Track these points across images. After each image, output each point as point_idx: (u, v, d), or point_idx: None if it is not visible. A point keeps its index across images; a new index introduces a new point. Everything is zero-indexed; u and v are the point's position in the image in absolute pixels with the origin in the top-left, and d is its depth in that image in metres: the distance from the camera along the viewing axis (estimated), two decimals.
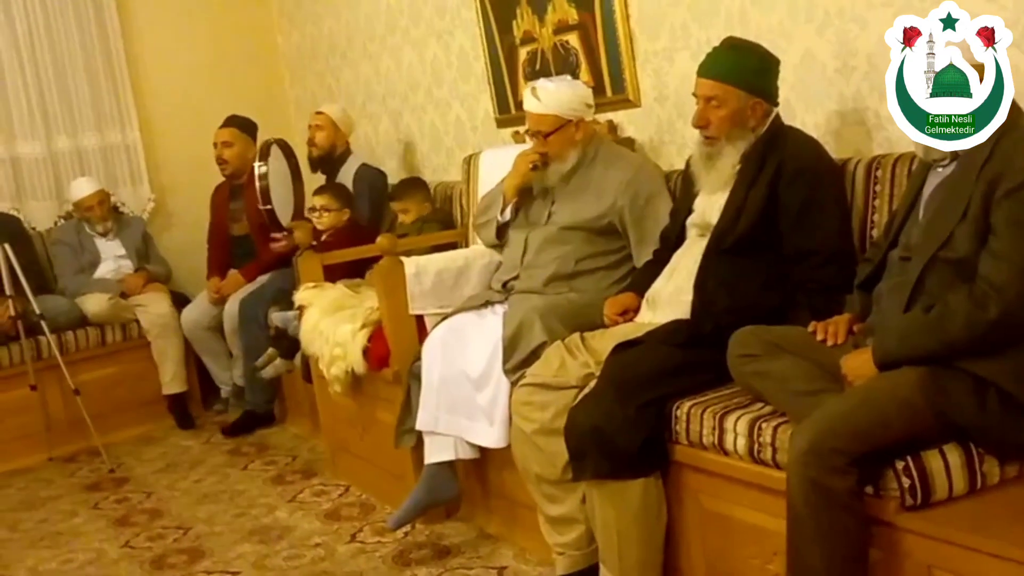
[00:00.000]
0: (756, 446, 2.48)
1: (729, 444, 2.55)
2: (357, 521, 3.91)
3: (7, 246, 4.80)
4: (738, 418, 2.54)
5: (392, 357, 3.81)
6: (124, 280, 5.58)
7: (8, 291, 4.86)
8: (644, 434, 2.71)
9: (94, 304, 5.38)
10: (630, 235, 3.43)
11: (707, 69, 2.96)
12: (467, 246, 4.32)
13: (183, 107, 6.25)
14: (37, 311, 4.91)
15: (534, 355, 3.17)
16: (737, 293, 2.82)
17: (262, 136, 5.45)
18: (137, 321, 5.49)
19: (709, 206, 3.00)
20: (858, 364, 2.38)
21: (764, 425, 2.47)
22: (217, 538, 3.92)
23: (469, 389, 3.40)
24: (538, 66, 4.36)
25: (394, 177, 5.31)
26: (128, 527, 4.16)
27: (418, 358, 3.58)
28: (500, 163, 4.23)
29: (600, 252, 3.46)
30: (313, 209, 4.85)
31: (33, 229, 5.78)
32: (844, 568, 2.22)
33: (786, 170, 2.85)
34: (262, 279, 5.32)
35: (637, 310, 3.17)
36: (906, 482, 2.17)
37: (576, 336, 3.12)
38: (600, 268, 3.46)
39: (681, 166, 3.40)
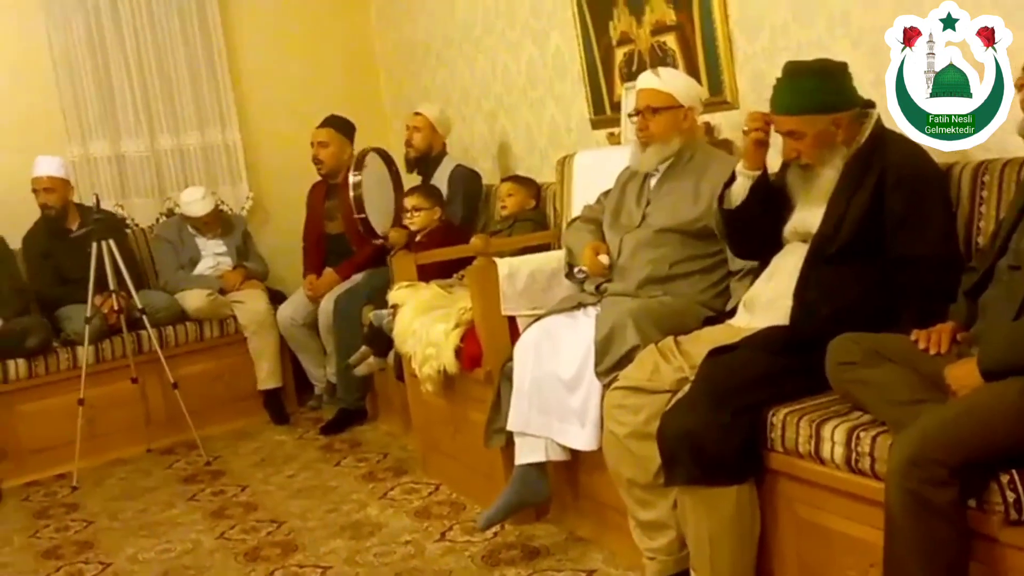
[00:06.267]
0: (854, 455, 2.43)
1: (826, 453, 2.50)
2: (447, 520, 3.93)
3: (112, 242, 4.93)
4: (836, 426, 2.49)
5: (484, 357, 3.83)
6: (223, 277, 5.69)
7: (112, 286, 4.99)
8: (738, 441, 2.67)
9: (194, 300, 5.50)
10: None
11: (777, 105, 2.92)
12: (560, 248, 4.31)
13: (281, 107, 6.36)
14: (139, 306, 5.04)
15: (627, 358, 3.15)
16: (838, 300, 2.76)
17: (359, 139, 5.53)
18: (234, 317, 5.60)
19: (810, 213, 2.94)
20: (963, 373, 2.32)
21: (863, 434, 2.42)
22: (310, 533, 3.97)
23: (561, 391, 3.40)
24: (635, 67, 4.34)
25: (488, 178, 5.34)
26: (223, 519, 4.23)
27: (510, 359, 3.59)
28: (594, 165, 4.24)
29: (695, 255, 3.43)
30: (405, 211, 4.90)
31: (136, 225, 5.93)
32: None
33: (889, 177, 2.78)
34: (357, 278, 5.38)
35: None
36: (1011, 496, 2.11)
37: (670, 340, 3.09)
38: (695, 272, 3.43)
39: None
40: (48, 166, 5.35)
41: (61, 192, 5.34)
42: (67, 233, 5.25)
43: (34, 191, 5.33)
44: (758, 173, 3.04)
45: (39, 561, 4.00)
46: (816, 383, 2.65)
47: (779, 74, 2.93)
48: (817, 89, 2.85)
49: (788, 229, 3.05)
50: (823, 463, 2.53)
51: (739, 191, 3.08)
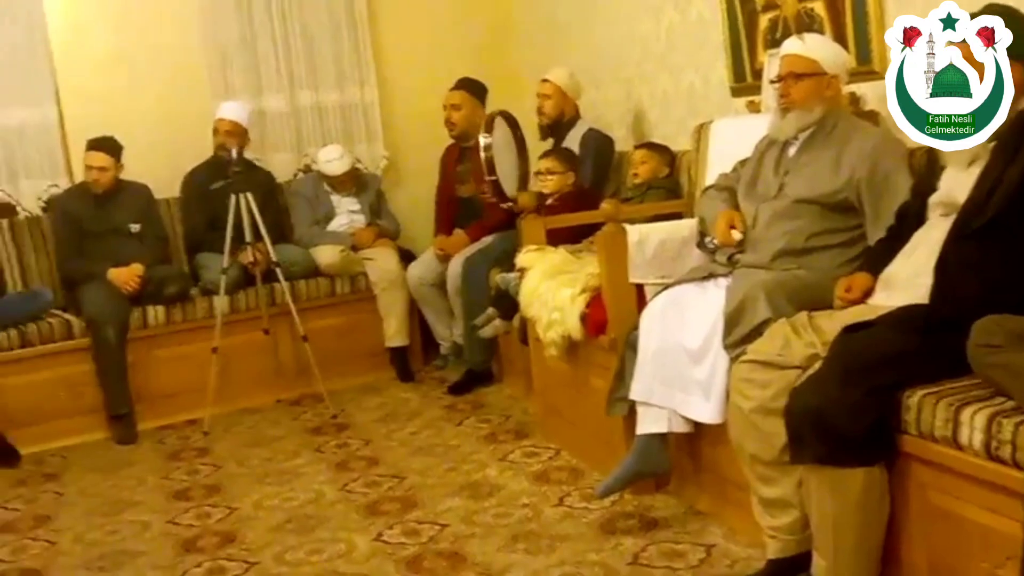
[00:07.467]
0: (994, 443, 2.31)
1: (964, 438, 2.39)
2: (566, 485, 3.92)
3: (249, 196, 5.02)
4: (975, 412, 2.38)
5: (609, 324, 3.78)
6: (356, 234, 5.76)
7: (248, 238, 5.09)
8: (869, 421, 2.57)
9: (327, 256, 5.59)
10: (866, 211, 3.27)
11: None
12: (692, 216, 4.23)
13: (418, 67, 6.39)
14: (274, 259, 5.13)
15: (756, 331, 3.06)
16: (982, 278, 2.61)
17: (491, 102, 5.52)
18: (365, 274, 5.67)
19: (958, 184, 2.79)
20: None
21: (1004, 421, 2.31)
22: (429, 490, 4.01)
23: (686, 362, 3.34)
24: (779, 33, 4.20)
25: (622, 144, 5.27)
26: (346, 472, 4.30)
27: (636, 327, 3.54)
28: (733, 133, 4.14)
29: (834, 229, 3.31)
30: (539, 173, 4.87)
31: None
32: None
33: None
34: (486, 240, 5.39)
35: (870, 292, 3.01)
36: None
37: (803, 315, 2.99)
38: (833, 246, 3.31)
39: None
40: (235, 111, 5.57)
41: (240, 139, 5.47)
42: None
43: (215, 131, 5.53)
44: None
45: (170, 501, 4.14)
46: (956, 365, 2.51)
47: None
48: (1016, 34, 2.54)
49: (933, 200, 2.90)
50: (960, 449, 2.42)
51: None
